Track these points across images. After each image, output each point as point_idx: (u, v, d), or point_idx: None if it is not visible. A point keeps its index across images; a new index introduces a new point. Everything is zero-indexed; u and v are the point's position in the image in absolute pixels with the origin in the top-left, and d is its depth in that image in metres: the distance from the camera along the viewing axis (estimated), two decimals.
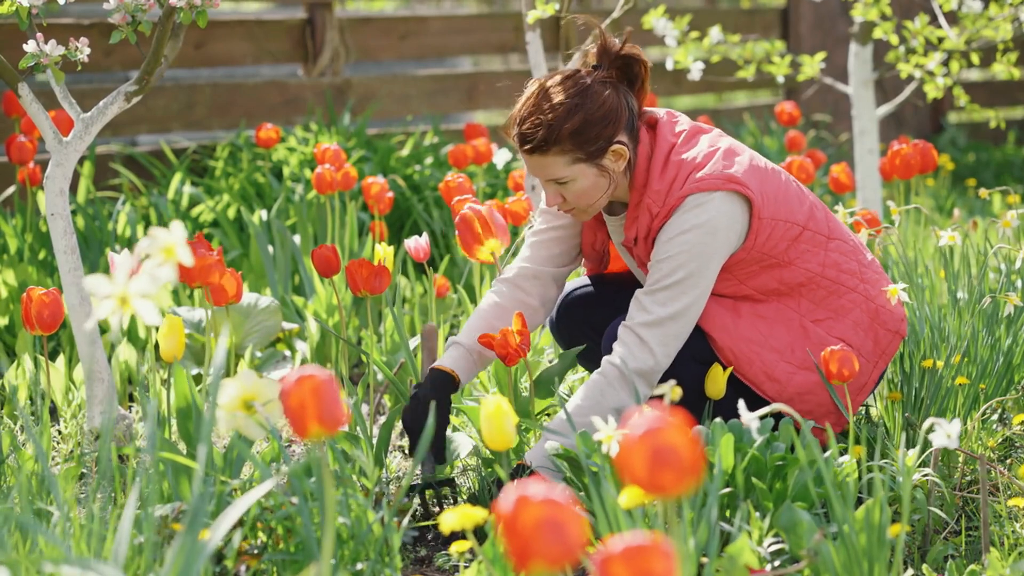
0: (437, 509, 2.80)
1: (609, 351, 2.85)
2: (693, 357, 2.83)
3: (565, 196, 2.81)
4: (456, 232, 3.17)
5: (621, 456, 1.54)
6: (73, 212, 4.74)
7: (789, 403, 2.80)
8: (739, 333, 2.81)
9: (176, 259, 1.75)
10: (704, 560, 2.13)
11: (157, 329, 2.99)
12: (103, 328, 3.42)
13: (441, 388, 2.87)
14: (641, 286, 3.02)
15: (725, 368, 2.83)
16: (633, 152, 2.80)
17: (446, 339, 4.30)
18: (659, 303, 2.75)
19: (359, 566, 2.23)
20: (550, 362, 3.45)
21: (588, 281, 3.13)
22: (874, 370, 2.89)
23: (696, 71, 5.06)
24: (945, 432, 2.15)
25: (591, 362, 3.11)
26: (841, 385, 2.76)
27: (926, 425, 2.20)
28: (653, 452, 1.52)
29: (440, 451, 2.86)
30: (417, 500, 2.77)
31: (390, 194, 4.44)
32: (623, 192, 2.85)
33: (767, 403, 2.82)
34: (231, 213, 5.20)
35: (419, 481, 2.82)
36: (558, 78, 2.79)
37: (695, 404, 2.83)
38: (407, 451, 3.06)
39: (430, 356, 3.02)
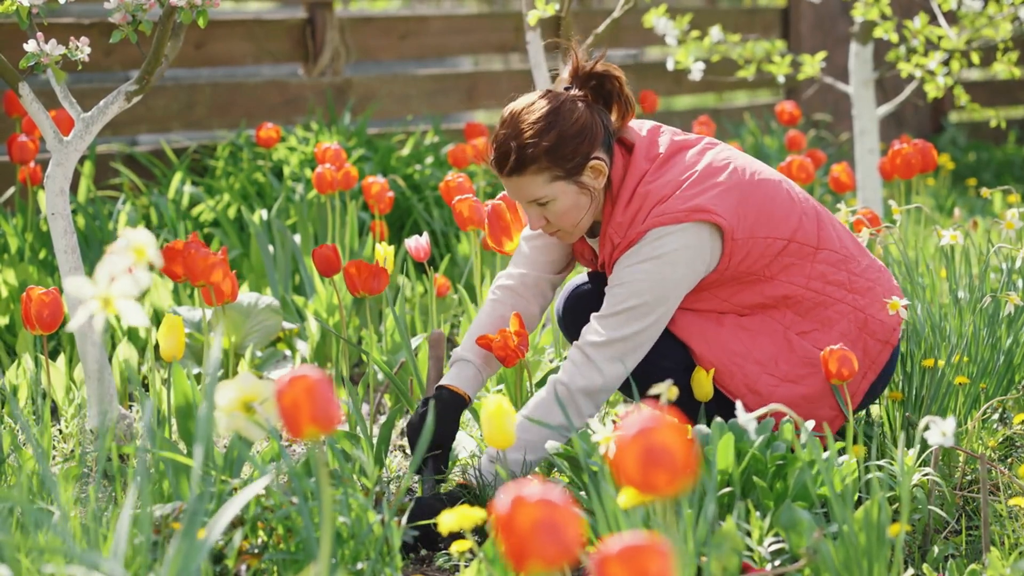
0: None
1: None
2: (676, 367, 2.82)
3: (548, 218, 2.78)
4: (487, 224, 3.15)
5: (615, 456, 1.54)
6: (73, 211, 4.74)
7: (773, 415, 2.79)
8: (720, 344, 2.79)
9: (146, 259, 1.76)
10: (703, 559, 2.13)
11: (157, 328, 2.99)
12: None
13: (451, 406, 2.84)
14: None
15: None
16: (610, 170, 2.78)
17: (447, 340, 4.30)
18: (610, 327, 2.72)
19: (359, 565, 2.23)
20: (550, 361, 3.45)
21: (592, 276, 3.12)
22: (863, 381, 2.84)
23: (696, 71, 5.06)
24: (940, 430, 2.15)
25: None
26: (829, 396, 2.75)
27: (922, 424, 2.20)
28: (646, 452, 1.52)
29: (443, 465, 2.84)
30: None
31: (390, 194, 4.44)
32: (599, 211, 2.83)
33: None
34: (231, 213, 5.20)
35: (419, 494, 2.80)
36: (530, 99, 2.77)
37: (686, 410, 2.82)
38: (407, 450, 3.06)
39: (437, 364, 3.00)
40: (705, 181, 2.74)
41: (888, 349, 2.85)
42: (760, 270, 2.77)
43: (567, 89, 2.79)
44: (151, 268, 4.37)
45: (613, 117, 2.80)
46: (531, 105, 2.75)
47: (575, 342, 2.78)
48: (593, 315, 2.77)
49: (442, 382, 2.88)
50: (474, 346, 2.92)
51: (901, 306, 2.80)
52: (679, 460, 1.52)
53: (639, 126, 2.86)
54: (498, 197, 3.14)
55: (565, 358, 3.05)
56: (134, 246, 1.76)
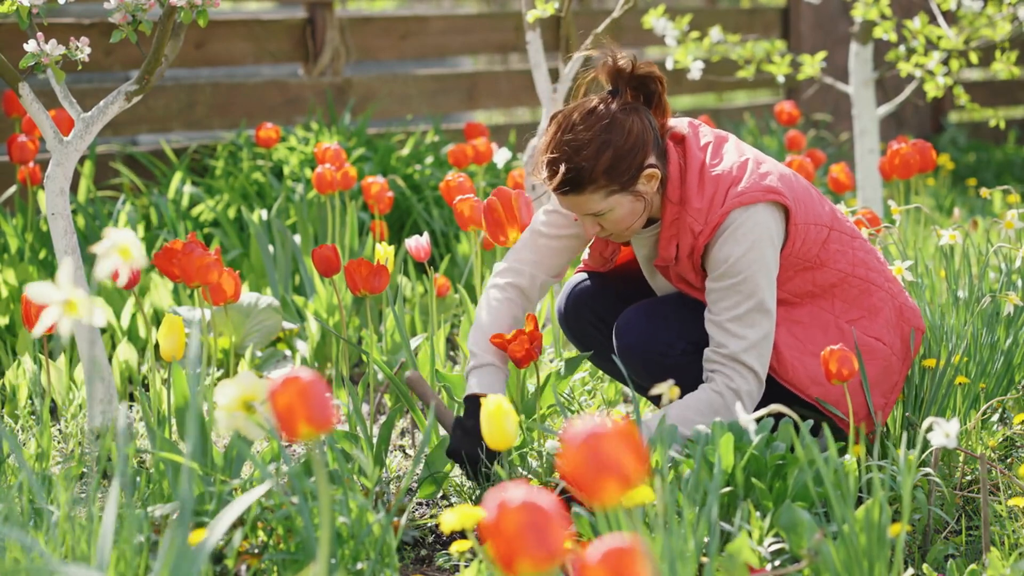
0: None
1: (621, 343, 2.87)
2: None
3: (603, 225, 2.80)
4: (484, 222, 3.14)
5: (564, 462, 1.54)
6: (74, 211, 4.74)
7: (835, 405, 2.80)
8: (779, 340, 2.81)
9: (132, 259, 1.76)
10: (704, 560, 2.13)
11: (158, 328, 2.99)
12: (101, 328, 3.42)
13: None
14: (648, 286, 3.02)
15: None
16: (663, 170, 2.79)
17: (446, 340, 4.30)
18: (748, 326, 2.74)
19: (359, 565, 2.23)
20: (550, 361, 3.45)
21: (589, 273, 3.12)
22: (903, 367, 2.90)
23: (696, 70, 5.06)
24: (944, 431, 2.15)
25: (599, 356, 3.10)
26: (881, 383, 2.78)
27: (925, 424, 2.20)
28: (593, 458, 1.51)
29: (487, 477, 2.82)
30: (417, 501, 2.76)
31: (390, 194, 4.44)
32: (655, 209, 2.84)
33: (800, 399, 2.82)
34: (231, 213, 5.20)
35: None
36: (580, 114, 2.75)
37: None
38: (408, 450, 3.04)
39: (426, 397, 2.90)
40: (760, 167, 2.79)
41: (919, 336, 2.92)
42: (812, 257, 2.81)
43: (611, 93, 2.78)
44: (151, 268, 4.37)
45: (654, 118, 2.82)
46: (583, 120, 2.74)
47: (719, 351, 2.76)
48: (721, 319, 2.76)
49: (471, 391, 2.84)
50: (491, 346, 2.89)
51: (904, 270, 2.85)
52: (628, 467, 1.51)
53: (678, 123, 2.88)
54: (491, 195, 3.12)
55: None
56: (118, 246, 1.76)
